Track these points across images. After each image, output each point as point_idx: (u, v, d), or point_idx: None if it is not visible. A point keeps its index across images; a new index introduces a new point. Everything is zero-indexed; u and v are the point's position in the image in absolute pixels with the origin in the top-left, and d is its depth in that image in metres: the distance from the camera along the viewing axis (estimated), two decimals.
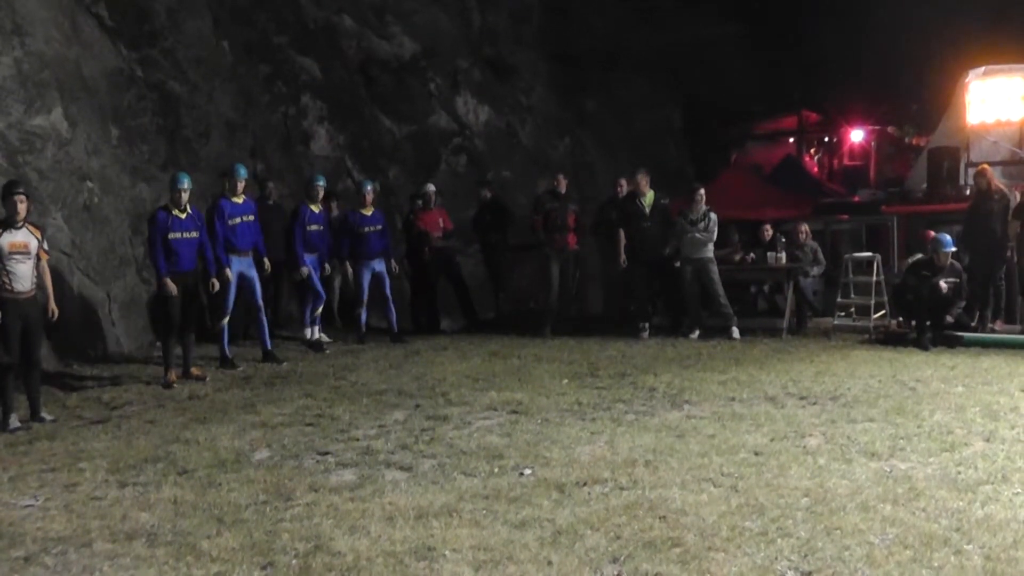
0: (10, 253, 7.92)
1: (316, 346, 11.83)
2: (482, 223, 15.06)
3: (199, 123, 13.63)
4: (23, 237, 8.03)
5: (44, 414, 8.14)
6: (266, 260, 11.22)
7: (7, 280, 7.92)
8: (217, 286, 10.33)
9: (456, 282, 14.14)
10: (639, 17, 21.36)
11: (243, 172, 10.98)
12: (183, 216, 9.82)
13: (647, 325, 12.52)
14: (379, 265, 12.28)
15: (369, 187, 12.55)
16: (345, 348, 11.87)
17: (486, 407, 8.10)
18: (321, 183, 12.22)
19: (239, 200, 10.82)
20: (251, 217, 10.92)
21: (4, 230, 7.94)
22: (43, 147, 11.15)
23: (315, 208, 12.01)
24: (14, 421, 7.84)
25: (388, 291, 12.40)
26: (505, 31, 19.83)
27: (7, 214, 8.02)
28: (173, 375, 9.67)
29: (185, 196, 9.83)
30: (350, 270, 12.32)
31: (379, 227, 12.33)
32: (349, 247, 12.26)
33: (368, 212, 12.31)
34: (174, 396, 9.09)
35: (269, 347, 11.13)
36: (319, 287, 12.00)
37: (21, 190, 8.19)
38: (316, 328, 12.06)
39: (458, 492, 5.61)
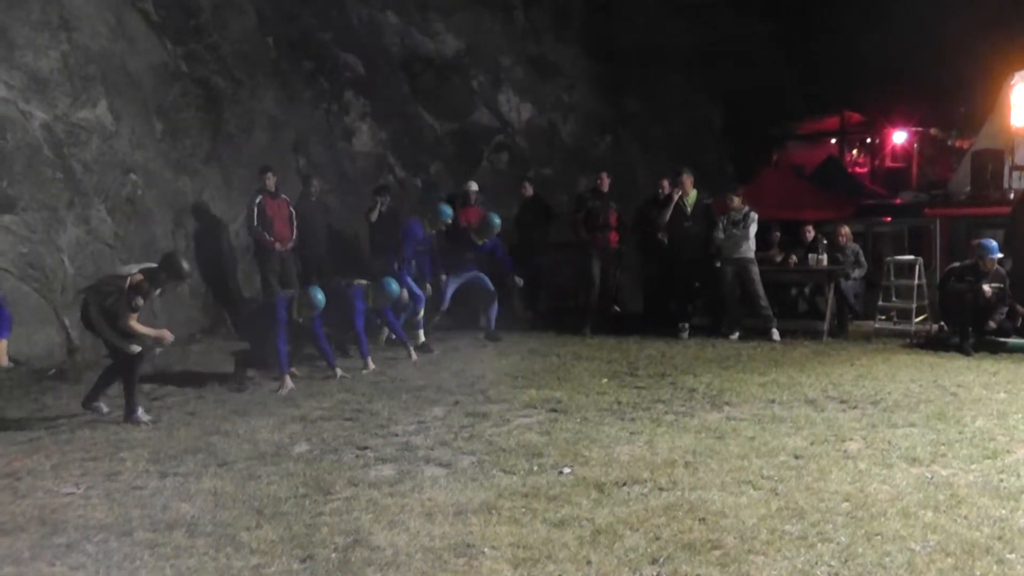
0: None
1: (424, 348, 11.32)
2: (524, 221, 15.02)
3: (242, 118, 13.74)
4: None
5: (100, 404, 8.20)
6: None
7: None
8: None
9: (497, 280, 14.09)
10: (680, 15, 21.24)
11: None
12: None
13: (687, 325, 12.46)
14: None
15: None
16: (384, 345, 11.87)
17: (525, 405, 8.10)
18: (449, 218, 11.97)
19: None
20: None
21: None
22: (88, 140, 11.31)
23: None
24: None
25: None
26: (547, 29, 19.83)
27: None
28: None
29: None
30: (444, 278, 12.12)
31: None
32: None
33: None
34: (214, 388, 9.17)
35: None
36: (416, 288, 11.52)
37: None
38: (421, 331, 11.55)
39: (497, 489, 5.62)
